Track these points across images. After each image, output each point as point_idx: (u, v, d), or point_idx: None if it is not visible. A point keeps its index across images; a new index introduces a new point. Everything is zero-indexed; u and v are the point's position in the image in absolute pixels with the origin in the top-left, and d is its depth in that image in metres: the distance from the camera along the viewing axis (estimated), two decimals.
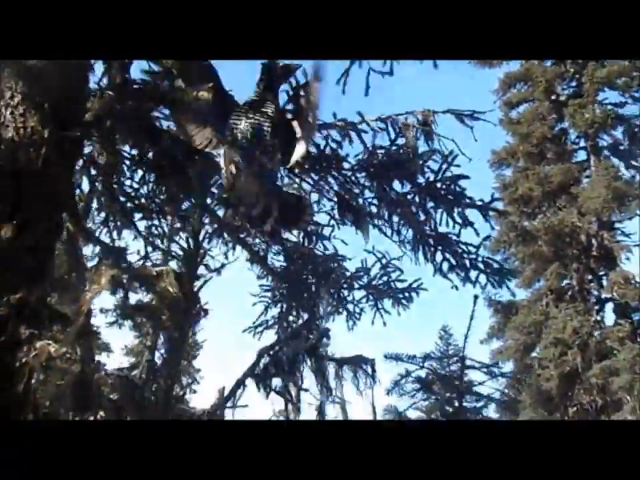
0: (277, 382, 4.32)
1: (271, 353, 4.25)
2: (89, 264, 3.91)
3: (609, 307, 13.96)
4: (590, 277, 14.39)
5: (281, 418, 2.77)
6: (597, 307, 14.04)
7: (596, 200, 13.36)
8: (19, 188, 3.04)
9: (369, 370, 4.82)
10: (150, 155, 4.18)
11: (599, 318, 13.85)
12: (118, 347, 14.88)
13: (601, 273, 14.30)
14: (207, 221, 4.77)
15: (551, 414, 12.47)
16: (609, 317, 13.94)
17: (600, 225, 13.85)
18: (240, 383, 3.86)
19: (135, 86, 3.55)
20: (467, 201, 3.99)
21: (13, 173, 3.09)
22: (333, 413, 4.53)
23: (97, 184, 5.05)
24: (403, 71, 3.59)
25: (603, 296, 14.08)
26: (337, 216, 4.78)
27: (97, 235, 4.19)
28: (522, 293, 14.90)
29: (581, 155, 15.30)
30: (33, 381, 2.56)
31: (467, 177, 3.97)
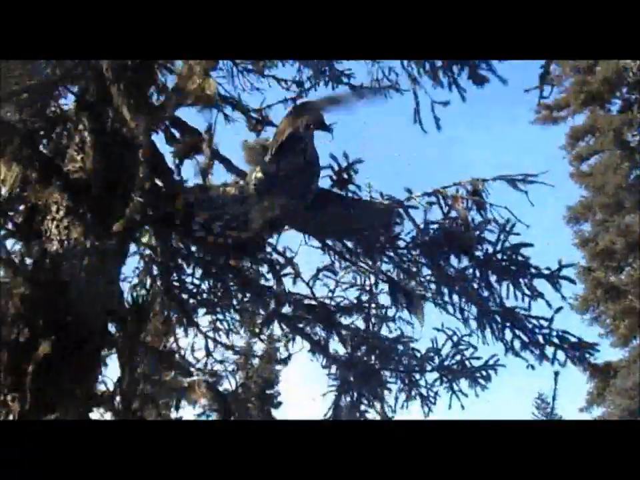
0: None
1: None
2: None
3: None
4: None
5: None
6: None
7: None
8: (62, 301, 3.03)
9: None
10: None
11: None
12: None
13: None
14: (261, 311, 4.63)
15: None
16: None
17: None
18: None
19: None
20: (533, 270, 3.67)
21: (58, 284, 3.10)
22: None
23: (158, 283, 5.07)
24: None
25: None
26: None
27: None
28: (618, 352, 13.90)
29: None
30: None
31: (530, 245, 3.68)
